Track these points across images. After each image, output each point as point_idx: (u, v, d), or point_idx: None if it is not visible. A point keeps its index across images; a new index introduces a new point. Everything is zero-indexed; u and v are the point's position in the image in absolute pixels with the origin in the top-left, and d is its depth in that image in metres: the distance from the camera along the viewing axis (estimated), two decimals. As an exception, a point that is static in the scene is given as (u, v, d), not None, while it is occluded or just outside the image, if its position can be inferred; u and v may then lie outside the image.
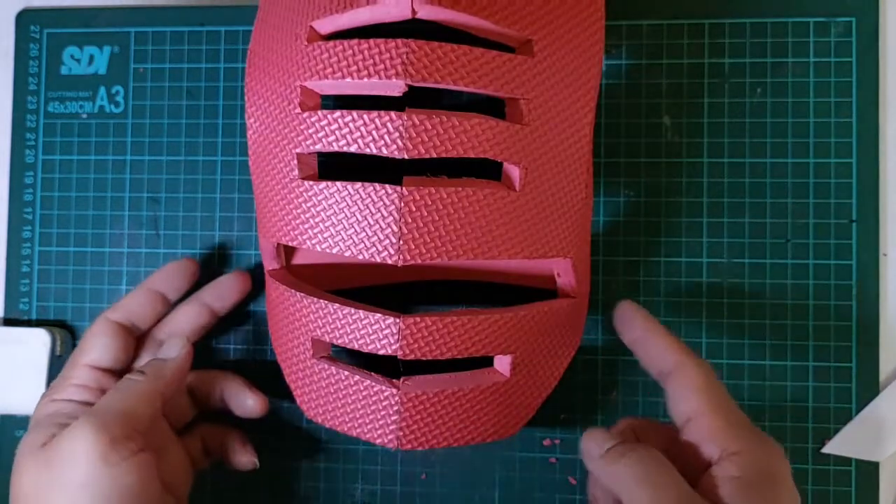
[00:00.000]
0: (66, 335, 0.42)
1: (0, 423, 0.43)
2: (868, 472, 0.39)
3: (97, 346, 0.36)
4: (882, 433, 0.39)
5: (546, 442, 0.40)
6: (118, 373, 0.37)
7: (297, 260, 0.39)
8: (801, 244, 0.40)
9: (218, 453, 0.39)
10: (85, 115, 0.43)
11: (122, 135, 0.43)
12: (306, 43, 0.33)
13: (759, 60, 0.40)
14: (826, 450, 0.39)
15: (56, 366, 0.41)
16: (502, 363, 0.35)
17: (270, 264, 0.37)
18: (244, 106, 0.42)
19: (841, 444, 0.39)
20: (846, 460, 0.39)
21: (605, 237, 0.40)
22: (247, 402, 0.38)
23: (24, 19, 0.44)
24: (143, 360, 0.38)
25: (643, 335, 0.34)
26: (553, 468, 0.40)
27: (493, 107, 0.35)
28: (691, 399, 0.31)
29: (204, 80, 0.43)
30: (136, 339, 0.38)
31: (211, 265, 0.42)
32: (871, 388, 0.39)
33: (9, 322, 0.43)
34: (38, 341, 0.41)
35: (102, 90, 0.43)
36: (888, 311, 0.40)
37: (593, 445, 0.32)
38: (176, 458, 0.37)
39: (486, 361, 0.35)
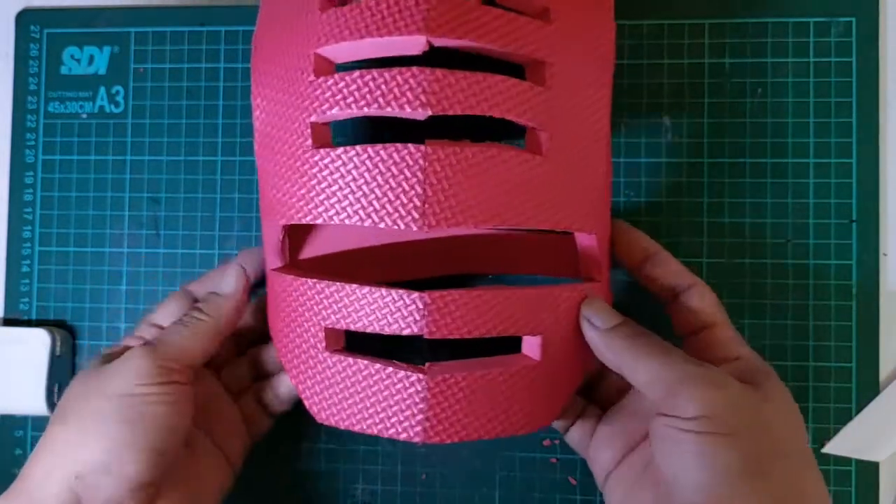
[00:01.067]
0: (66, 335, 0.42)
1: (0, 423, 0.43)
2: (868, 472, 0.39)
3: (165, 311, 0.36)
4: (882, 433, 0.39)
5: (546, 442, 0.40)
6: None
7: (304, 255, 0.38)
8: (801, 244, 0.40)
9: (277, 406, 0.38)
10: (85, 115, 0.43)
11: (122, 135, 0.43)
12: (319, 12, 0.32)
13: (760, 60, 0.40)
14: (826, 450, 0.39)
15: (56, 366, 0.41)
16: (531, 346, 0.33)
17: (274, 262, 0.35)
18: (244, 106, 0.42)
19: (841, 444, 0.39)
20: (846, 460, 0.39)
21: (606, 237, 0.41)
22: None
23: (24, 19, 0.44)
24: None
25: (655, 257, 0.35)
26: (553, 468, 0.40)
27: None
28: (708, 312, 0.34)
29: (204, 80, 0.43)
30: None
31: (211, 266, 0.42)
32: (871, 388, 0.39)
33: (9, 322, 0.43)
34: (38, 341, 0.41)
35: (102, 90, 0.43)
36: (888, 311, 0.40)
37: (597, 319, 0.33)
38: (229, 416, 0.37)
39: (513, 350, 0.34)
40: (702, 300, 0.34)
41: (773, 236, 0.40)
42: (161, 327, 0.36)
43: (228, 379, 0.38)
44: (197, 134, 0.43)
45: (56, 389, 0.41)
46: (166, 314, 0.36)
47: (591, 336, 0.33)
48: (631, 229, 0.36)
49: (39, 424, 0.42)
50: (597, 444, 0.35)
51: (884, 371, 0.40)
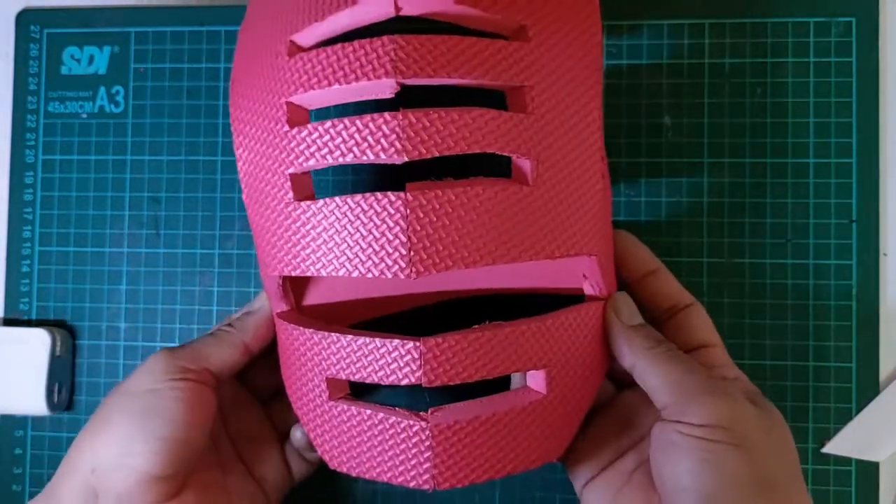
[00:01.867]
0: (66, 335, 0.42)
1: (0, 423, 0.43)
2: (868, 472, 0.39)
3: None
4: (882, 433, 0.39)
5: (546, 442, 0.40)
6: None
7: (309, 301, 0.37)
8: (801, 244, 0.40)
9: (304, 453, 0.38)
10: (85, 115, 0.43)
11: (122, 135, 0.43)
12: (288, 58, 0.31)
13: (760, 60, 0.40)
14: (826, 450, 0.39)
15: (56, 366, 0.41)
16: (536, 380, 0.32)
17: (279, 306, 0.35)
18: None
19: (841, 444, 0.39)
20: (846, 460, 0.39)
21: (606, 237, 0.40)
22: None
23: (24, 19, 0.44)
24: None
25: (655, 273, 0.35)
26: (554, 468, 0.40)
27: (492, 105, 0.34)
28: (707, 332, 0.34)
29: (204, 80, 0.43)
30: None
31: (211, 265, 0.42)
32: (871, 388, 0.39)
33: (9, 322, 0.43)
34: (38, 341, 0.41)
35: (102, 90, 0.43)
36: (888, 311, 0.40)
37: (624, 313, 0.33)
38: (270, 451, 0.38)
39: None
40: (700, 320, 0.34)
41: (772, 236, 0.40)
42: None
43: (278, 417, 0.38)
44: (197, 134, 0.43)
45: (56, 389, 0.41)
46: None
47: (615, 330, 0.33)
48: (634, 243, 0.36)
49: (39, 424, 0.42)
50: (575, 456, 0.35)
51: (884, 371, 0.40)
